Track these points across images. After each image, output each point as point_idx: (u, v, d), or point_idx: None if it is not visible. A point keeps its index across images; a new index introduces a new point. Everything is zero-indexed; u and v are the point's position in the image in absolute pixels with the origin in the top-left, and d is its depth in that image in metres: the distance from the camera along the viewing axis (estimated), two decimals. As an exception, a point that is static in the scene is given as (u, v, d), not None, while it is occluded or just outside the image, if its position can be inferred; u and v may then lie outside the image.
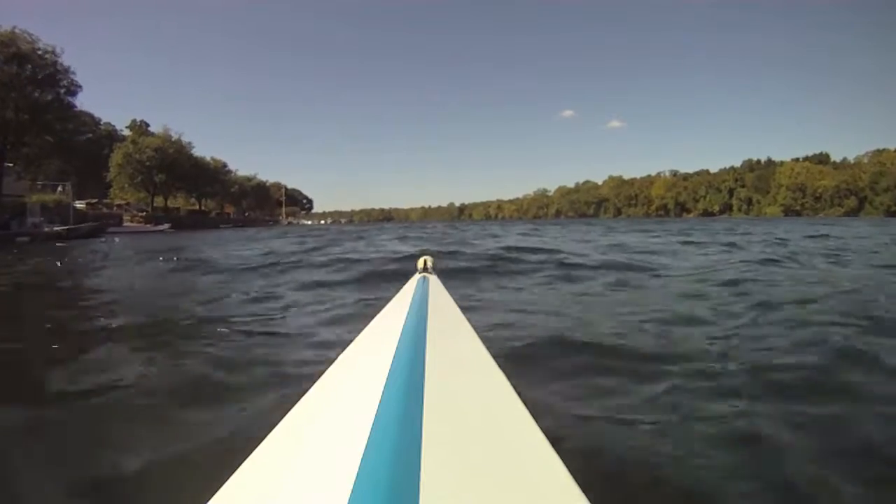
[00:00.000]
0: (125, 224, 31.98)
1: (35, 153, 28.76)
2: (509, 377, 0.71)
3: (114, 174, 43.08)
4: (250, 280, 6.00)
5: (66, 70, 28.10)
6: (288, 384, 2.13)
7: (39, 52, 27.06)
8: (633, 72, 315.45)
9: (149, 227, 32.56)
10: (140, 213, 37.44)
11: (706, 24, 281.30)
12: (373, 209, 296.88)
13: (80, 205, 30.81)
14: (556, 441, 0.48)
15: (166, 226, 33.37)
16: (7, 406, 2.05)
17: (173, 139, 47.46)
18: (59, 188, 28.01)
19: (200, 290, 5.50)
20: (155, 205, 48.69)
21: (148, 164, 42.86)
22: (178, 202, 57.13)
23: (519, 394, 0.64)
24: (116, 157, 42.69)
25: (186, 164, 47.20)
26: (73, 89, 29.02)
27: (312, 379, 0.71)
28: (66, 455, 1.60)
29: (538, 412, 0.53)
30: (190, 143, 50.10)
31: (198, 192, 55.05)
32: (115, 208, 35.50)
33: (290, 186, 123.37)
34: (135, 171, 42.78)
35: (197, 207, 57.30)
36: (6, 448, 1.68)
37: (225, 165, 61.39)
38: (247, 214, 78.39)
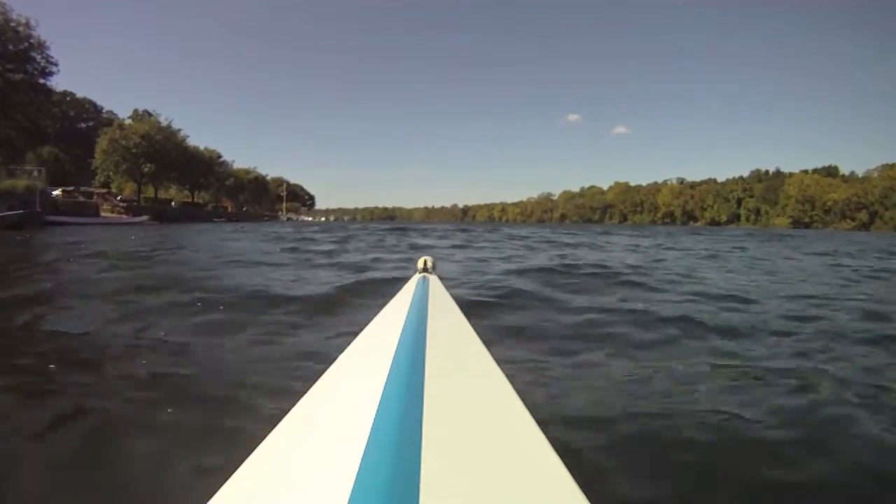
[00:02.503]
0: (102, 214, 29.80)
1: (7, 136, 26.42)
2: (509, 377, 0.71)
3: (99, 161, 40.68)
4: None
5: (42, 45, 25.88)
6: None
7: (13, 25, 24.81)
8: (639, 78, 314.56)
9: (125, 218, 30.18)
10: (121, 203, 35.21)
11: (714, 31, 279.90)
12: (376, 207, 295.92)
13: (56, 192, 28.79)
14: (563, 442, 0.46)
15: (144, 218, 30.63)
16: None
17: (163, 125, 44.81)
18: (35, 173, 25.87)
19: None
20: (146, 195, 46.64)
21: (134, 151, 40.31)
22: (172, 193, 55.04)
23: (519, 393, 0.64)
24: (101, 143, 40.27)
25: (175, 153, 44.45)
26: (49, 67, 26.76)
27: (313, 379, 0.71)
28: (63, 454, 1.52)
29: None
30: (181, 131, 47.58)
31: (189, 183, 52.54)
32: (95, 197, 33.35)
33: (292, 182, 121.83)
34: (120, 159, 40.30)
35: (190, 199, 55.11)
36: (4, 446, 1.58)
37: (219, 156, 58.59)
38: (245, 209, 76.38)
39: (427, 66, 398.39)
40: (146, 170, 41.82)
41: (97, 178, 41.84)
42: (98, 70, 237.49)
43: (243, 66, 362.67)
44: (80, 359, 2.47)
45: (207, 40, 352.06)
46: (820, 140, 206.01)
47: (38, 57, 26.02)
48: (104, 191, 37.18)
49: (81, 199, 30.45)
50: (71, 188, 30.87)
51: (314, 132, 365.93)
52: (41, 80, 26.81)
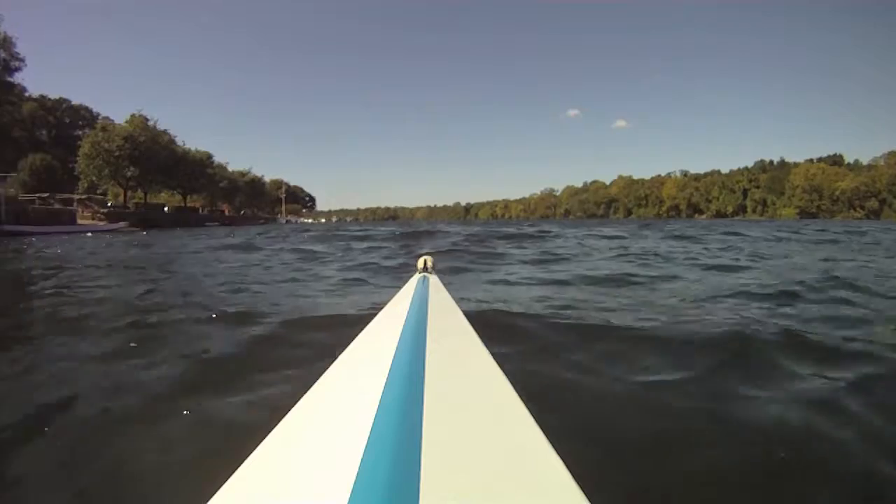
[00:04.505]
0: (80, 222, 28.23)
1: None
2: (509, 376, 0.72)
3: (82, 166, 38.96)
4: None
5: (8, 40, 24.15)
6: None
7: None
8: (638, 72, 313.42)
9: (101, 225, 28.26)
10: (102, 210, 33.65)
11: (712, 26, 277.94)
12: (378, 207, 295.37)
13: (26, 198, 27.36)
14: (559, 439, 0.49)
15: (121, 224, 28.71)
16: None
17: (148, 126, 42.88)
18: (8, 180, 24.47)
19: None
20: (137, 200, 45.16)
21: (117, 154, 38.49)
22: (164, 198, 53.43)
23: (519, 393, 0.65)
24: (84, 147, 38.58)
25: (161, 155, 42.48)
26: (14, 63, 25.14)
27: (313, 378, 0.71)
28: (61, 453, 1.49)
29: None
30: (167, 131, 45.67)
31: (179, 187, 50.69)
32: (74, 203, 31.80)
33: (293, 184, 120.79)
34: (103, 163, 38.51)
35: (182, 203, 53.47)
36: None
37: (210, 157, 56.37)
38: (243, 212, 74.91)
39: (426, 64, 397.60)
40: (129, 173, 40.07)
41: (80, 183, 40.20)
42: (95, 76, 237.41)
43: (243, 68, 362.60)
44: None
45: (206, 42, 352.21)
46: (821, 129, 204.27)
47: (3, 53, 24.45)
48: (84, 197, 35.54)
49: (58, 206, 28.95)
50: (46, 195, 29.43)
51: (314, 133, 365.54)
52: (7, 78, 25.20)
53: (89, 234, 18.37)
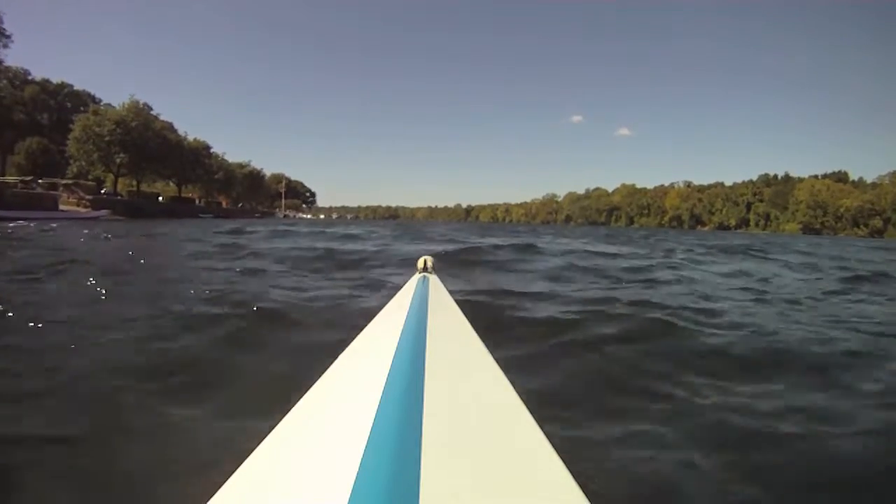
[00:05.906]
0: (63, 208, 27.11)
1: None
2: (509, 376, 0.72)
3: (72, 150, 37.76)
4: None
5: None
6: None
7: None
8: (642, 81, 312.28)
9: (82, 212, 26.79)
10: (87, 197, 32.54)
11: (717, 37, 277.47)
12: (379, 206, 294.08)
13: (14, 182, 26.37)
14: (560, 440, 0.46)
15: (103, 213, 27.65)
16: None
17: (140, 110, 41.60)
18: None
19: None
20: (131, 188, 44.14)
21: (108, 138, 37.30)
22: (159, 187, 52.36)
23: (519, 393, 0.64)
24: (75, 131, 37.41)
25: (154, 142, 41.17)
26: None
27: (313, 378, 0.72)
28: (61, 452, 1.45)
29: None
30: (159, 116, 44.50)
31: (172, 176, 49.31)
32: (59, 188, 30.82)
33: (294, 179, 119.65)
34: (93, 147, 37.35)
35: (177, 194, 52.39)
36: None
37: (207, 147, 55.00)
38: (241, 205, 73.91)
39: (430, 65, 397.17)
40: (119, 160, 38.83)
41: (70, 168, 39.04)
42: (100, 66, 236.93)
43: (246, 64, 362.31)
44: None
45: (209, 33, 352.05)
46: (824, 146, 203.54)
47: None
48: (71, 182, 34.42)
49: (41, 191, 27.92)
50: (29, 178, 28.47)
51: (317, 130, 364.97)
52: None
53: (30, 223, 16.31)
